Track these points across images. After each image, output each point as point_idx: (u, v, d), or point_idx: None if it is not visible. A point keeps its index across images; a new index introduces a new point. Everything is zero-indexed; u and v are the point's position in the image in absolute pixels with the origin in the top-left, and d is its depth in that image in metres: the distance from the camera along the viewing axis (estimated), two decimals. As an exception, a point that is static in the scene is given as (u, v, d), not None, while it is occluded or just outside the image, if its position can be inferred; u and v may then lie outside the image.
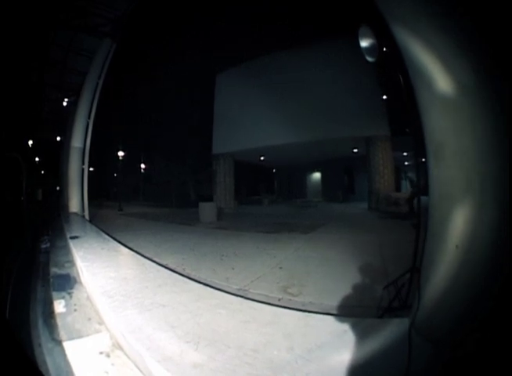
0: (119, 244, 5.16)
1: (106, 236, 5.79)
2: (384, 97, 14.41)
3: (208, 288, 2.93)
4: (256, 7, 18.00)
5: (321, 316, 2.31)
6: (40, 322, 2.65)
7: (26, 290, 3.47)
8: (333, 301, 2.91)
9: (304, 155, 19.88)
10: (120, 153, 21.06)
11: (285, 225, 9.07)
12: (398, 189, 17.81)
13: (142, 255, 4.40)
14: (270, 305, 2.64)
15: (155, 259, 4.31)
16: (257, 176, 27.91)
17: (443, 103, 1.78)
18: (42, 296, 3.30)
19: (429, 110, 1.89)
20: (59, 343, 2.26)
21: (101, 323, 2.55)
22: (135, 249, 4.86)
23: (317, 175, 27.12)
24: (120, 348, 2.12)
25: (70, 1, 10.13)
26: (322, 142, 15.77)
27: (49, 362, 2.05)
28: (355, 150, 17.82)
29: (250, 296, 3.06)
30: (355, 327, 2.05)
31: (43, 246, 5.69)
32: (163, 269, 3.63)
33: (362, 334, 1.96)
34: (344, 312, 2.71)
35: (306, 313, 2.38)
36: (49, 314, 2.80)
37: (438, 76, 1.75)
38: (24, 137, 24.29)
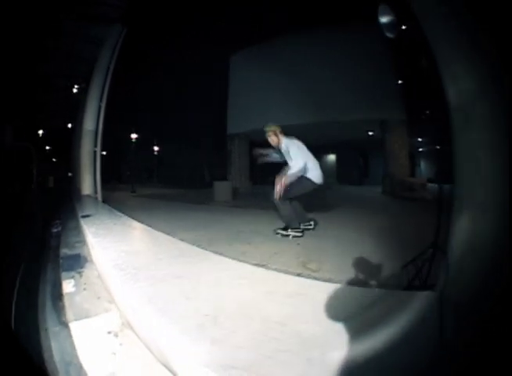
0: (132, 220, 5.05)
1: (119, 213, 5.70)
2: (400, 82, 14.18)
3: (227, 259, 2.79)
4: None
5: (348, 287, 2.20)
6: (48, 305, 2.52)
7: (35, 274, 3.34)
8: (347, 278, 2.74)
9: (319, 136, 19.67)
10: (133, 135, 21.02)
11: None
12: (412, 174, 17.68)
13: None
14: (294, 275, 2.49)
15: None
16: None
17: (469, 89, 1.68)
18: (52, 278, 3.18)
19: (456, 95, 1.78)
20: (66, 325, 2.12)
21: (111, 301, 2.40)
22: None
23: (332, 157, 27.16)
24: (130, 326, 1.97)
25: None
26: (337, 124, 15.49)
27: (54, 346, 1.90)
28: (371, 133, 17.58)
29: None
30: (383, 299, 1.97)
31: (54, 230, 5.60)
32: (178, 241, 3.52)
33: (391, 306, 1.85)
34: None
35: (333, 284, 2.21)
36: (58, 296, 2.67)
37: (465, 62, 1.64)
38: (35, 126, 24.57)
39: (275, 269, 2.98)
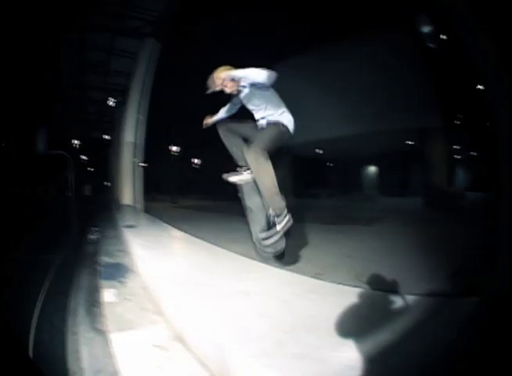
0: (179, 231, 5.03)
1: (164, 225, 5.73)
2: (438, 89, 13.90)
3: (294, 274, 2.72)
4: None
5: (416, 297, 2.14)
6: (81, 310, 2.51)
7: (68, 279, 3.34)
8: (405, 290, 2.62)
9: (359, 148, 19.59)
10: (174, 148, 21.41)
11: (346, 218, 8.77)
12: (453, 183, 17.37)
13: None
14: (360, 287, 2.44)
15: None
16: (313, 170, 27.80)
17: None
18: (86, 284, 3.16)
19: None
20: (101, 333, 2.10)
21: (158, 313, 2.34)
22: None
23: (373, 169, 27.76)
24: (182, 341, 1.89)
25: (105, 6, 10.57)
26: (377, 135, 15.37)
27: (84, 351, 1.89)
28: (411, 143, 17.29)
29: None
30: (444, 307, 2.01)
31: (91, 237, 5.66)
32: (236, 255, 3.44)
33: (453, 313, 1.89)
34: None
35: (400, 296, 2.15)
36: (94, 303, 2.65)
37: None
38: (72, 137, 25.53)
39: (335, 282, 2.92)
